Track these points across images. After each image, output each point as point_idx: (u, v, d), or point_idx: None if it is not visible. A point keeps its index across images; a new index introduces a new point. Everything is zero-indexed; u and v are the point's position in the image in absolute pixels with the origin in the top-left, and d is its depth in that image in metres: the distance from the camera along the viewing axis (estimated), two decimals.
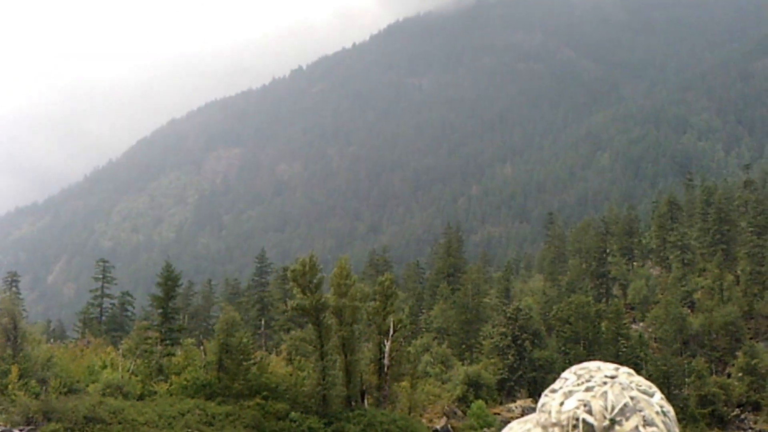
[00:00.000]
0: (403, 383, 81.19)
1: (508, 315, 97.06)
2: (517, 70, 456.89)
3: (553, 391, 2.65)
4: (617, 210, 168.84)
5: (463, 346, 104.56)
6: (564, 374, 2.70)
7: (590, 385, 2.58)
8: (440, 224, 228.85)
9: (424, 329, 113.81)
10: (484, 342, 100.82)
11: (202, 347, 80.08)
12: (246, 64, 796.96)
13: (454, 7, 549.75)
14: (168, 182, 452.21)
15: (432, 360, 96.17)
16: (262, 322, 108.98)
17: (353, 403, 74.88)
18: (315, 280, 74.74)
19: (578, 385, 2.60)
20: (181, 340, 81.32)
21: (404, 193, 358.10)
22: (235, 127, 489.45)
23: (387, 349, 78.73)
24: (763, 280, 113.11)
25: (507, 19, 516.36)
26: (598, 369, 2.64)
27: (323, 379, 71.25)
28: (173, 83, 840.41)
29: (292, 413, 70.25)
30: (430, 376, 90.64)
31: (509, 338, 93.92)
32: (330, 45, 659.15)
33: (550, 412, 2.57)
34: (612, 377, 2.64)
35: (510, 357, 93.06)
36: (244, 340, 73.99)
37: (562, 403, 2.57)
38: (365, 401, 76.62)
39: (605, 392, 2.57)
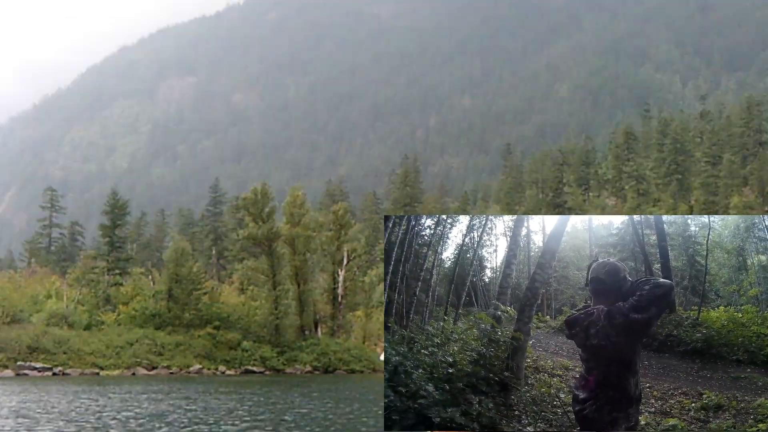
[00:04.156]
0: (358, 313, 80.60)
1: None
2: None
3: None
4: (575, 141, 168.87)
5: None
6: None
7: None
8: (398, 155, 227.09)
9: (379, 259, 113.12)
10: None
11: (150, 277, 78.32)
12: None
13: None
14: (120, 111, 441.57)
15: None
16: (214, 251, 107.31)
17: (306, 333, 74.13)
18: (267, 209, 73.11)
19: None
20: (130, 270, 79.38)
21: (362, 124, 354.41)
22: (188, 55, 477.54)
23: (341, 278, 77.82)
24: (716, 210, 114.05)
25: None
26: None
27: (276, 309, 70.26)
28: (123, 7, 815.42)
29: (245, 342, 69.31)
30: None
31: None
32: None
33: None
34: None
35: None
36: (195, 269, 72.46)
37: None
38: (319, 331, 75.90)
39: None
